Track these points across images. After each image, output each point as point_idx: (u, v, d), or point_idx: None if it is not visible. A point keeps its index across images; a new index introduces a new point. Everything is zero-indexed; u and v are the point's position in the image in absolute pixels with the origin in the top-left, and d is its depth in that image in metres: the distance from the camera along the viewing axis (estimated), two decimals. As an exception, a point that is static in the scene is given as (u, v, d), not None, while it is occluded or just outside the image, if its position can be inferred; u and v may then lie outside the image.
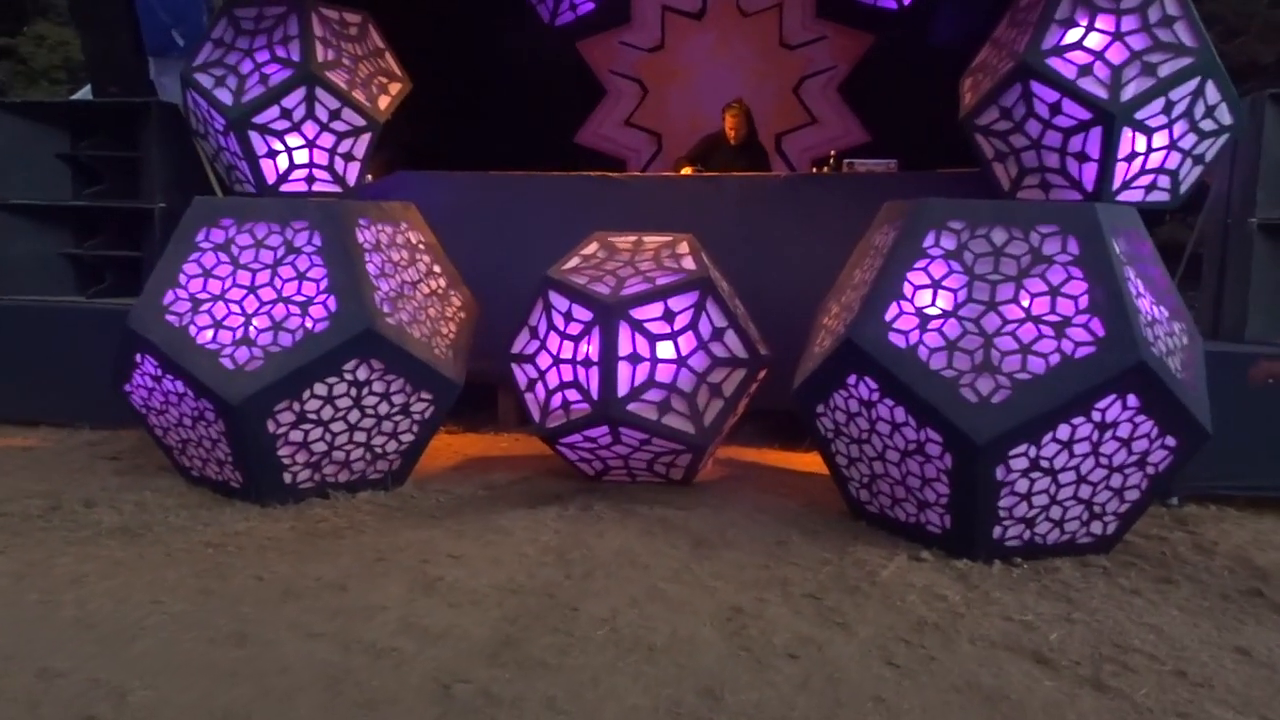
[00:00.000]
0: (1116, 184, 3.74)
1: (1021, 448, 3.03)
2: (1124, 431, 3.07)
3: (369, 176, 4.90)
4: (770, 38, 6.85)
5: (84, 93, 5.76)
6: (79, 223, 5.15)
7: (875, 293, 3.25)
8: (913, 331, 3.16)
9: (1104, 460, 3.10)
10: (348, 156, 4.29)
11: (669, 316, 3.64)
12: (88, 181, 5.10)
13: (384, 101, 4.37)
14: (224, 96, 4.11)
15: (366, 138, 4.29)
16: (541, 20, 6.91)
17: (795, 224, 4.66)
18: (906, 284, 3.22)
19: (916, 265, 3.23)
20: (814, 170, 6.04)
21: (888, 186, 4.60)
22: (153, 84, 5.40)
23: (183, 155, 4.86)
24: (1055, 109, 3.71)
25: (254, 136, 4.11)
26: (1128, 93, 3.61)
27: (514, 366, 3.89)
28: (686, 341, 3.65)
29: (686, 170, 5.60)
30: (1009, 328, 3.08)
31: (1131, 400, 3.01)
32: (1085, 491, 3.16)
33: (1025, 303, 3.09)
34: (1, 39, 13.16)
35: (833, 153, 5.63)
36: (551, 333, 3.76)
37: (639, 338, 3.60)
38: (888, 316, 3.19)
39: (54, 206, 5.08)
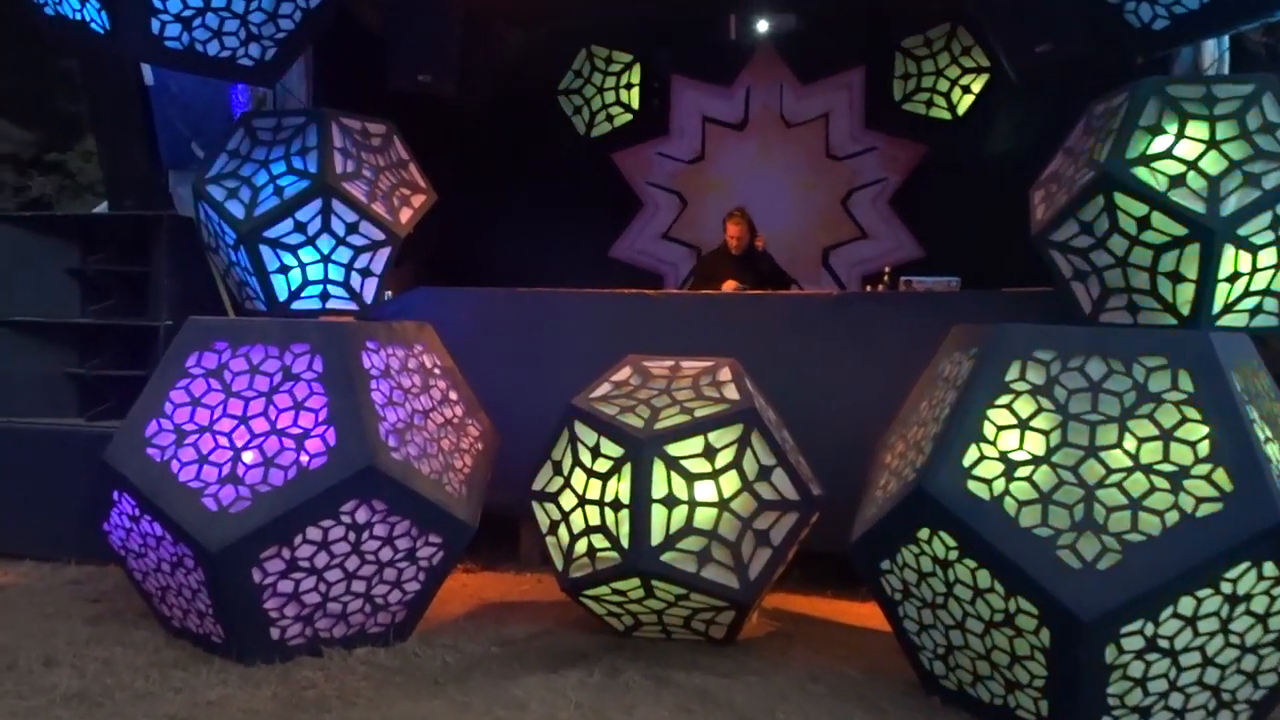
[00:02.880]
0: (1217, 307, 3.36)
1: (1136, 625, 2.61)
2: (1259, 606, 2.59)
3: (388, 292, 4.76)
4: (816, 148, 6.83)
5: (102, 207, 5.68)
6: (84, 341, 5.01)
7: (949, 432, 2.94)
8: (997, 480, 2.82)
9: (1224, 640, 2.63)
10: (365, 272, 4.13)
11: (709, 453, 3.41)
12: (96, 298, 4.97)
13: (406, 214, 4.24)
14: (235, 209, 3.99)
15: (385, 252, 4.15)
16: (576, 131, 6.91)
17: (848, 346, 4.46)
18: (987, 423, 2.90)
19: (998, 401, 2.91)
20: (867, 288, 5.92)
21: (950, 307, 4.40)
22: (170, 197, 5.31)
23: (195, 271, 4.75)
24: (1144, 223, 3.37)
25: (265, 250, 3.97)
26: (1229, 206, 3.26)
27: (535, 505, 3.67)
28: (729, 482, 3.41)
29: (730, 285, 5.49)
30: (1114, 478, 2.72)
31: (1269, 569, 2.53)
32: (1212, 675, 2.72)
33: (1132, 448, 2.73)
34: (54, 154, 13.52)
35: (887, 269, 5.48)
36: (577, 469, 3.54)
37: (675, 477, 3.37)
38: (966, 461, 2.87)
39: (58, 324, 4.93)
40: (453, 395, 3.89)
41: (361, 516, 3.31)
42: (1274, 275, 3.35)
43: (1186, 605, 2.60)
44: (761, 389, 3.77)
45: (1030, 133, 5.76)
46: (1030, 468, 2.80)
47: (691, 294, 5.51)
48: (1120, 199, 3.36)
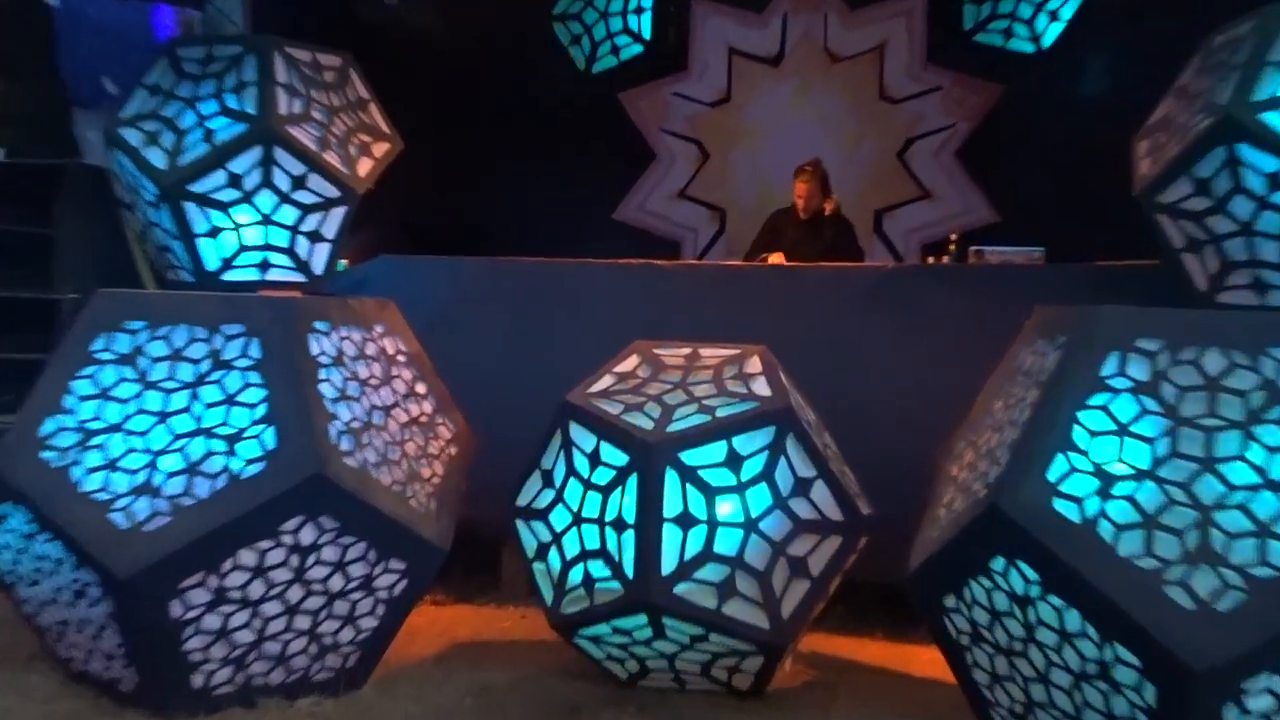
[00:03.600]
0: (1367, 285, 3.35)
1: (1263, 679, 2.60)
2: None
3: (343, 262, 4.80)
4: (868, 89, 6.86)
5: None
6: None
7: (1031, 439, 2.95)
8: (1090, 498, 2.83)
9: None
10: (314, 236, 4.12)
11: (734, 462, 3.43)
12: (-9, 265, 4.97)
13: (365, 166, 4.24)
14: (156, 158, 3.98)
15: (340, 212, 4.15)
16: (575, 66, 6.92)
17: (905, 332, 4.50)
18: (1077, 428, 2.90)
19: (1091, 401, 2.92)
20: (928, 260, 5.96)
21: (1031, 284, 4.44)
22: (76, 143, 5.31)
23: (105, 233, 4.77)
24: (1275, 181, 3.33)
25: (192, 209, 3.95)
26: (1382, 161, 3.22)
27: (520, 524, 3.72)
28: (758, 497, 3.44)
29: (775, 258, 5.57)
30: (1237, 497, 2.71)
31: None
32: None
33: (1259, 460, 2.72)
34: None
35: (953, 237, 5.50)
36: (572, 480, 3.58)
37: (692, 491, 3.40)
38: (1052, 475, 2.87)
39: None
40: (420, 389, 3.88)
41: (307, 537, 3.30)
42: None
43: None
44: (798, 383, 3.77)
45: (1132, 70, 5.78)
46: (1132, 484, 2.80)
47: (713, 266, 5.59)
48: (1245, 151, 3.31)
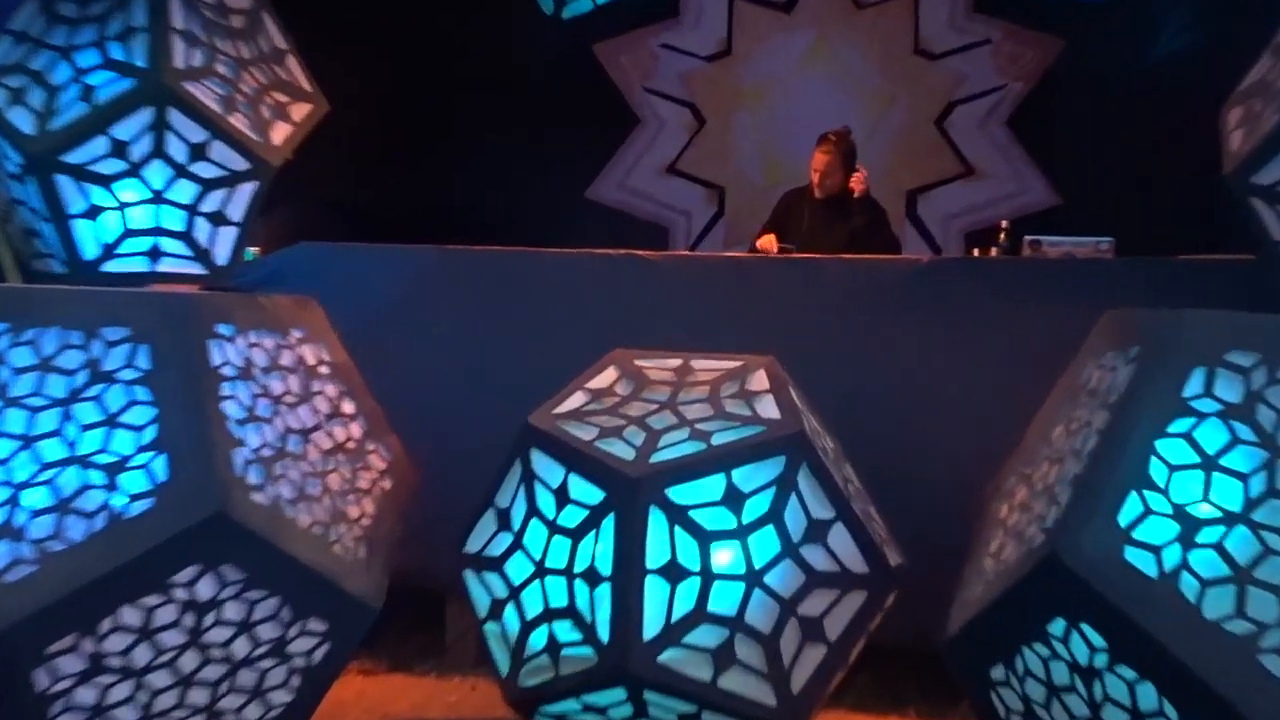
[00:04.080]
0: None
1: None
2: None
3: (253, 250, 4.86)
4: (901, 42, 6.94)
5: None
6: None
7: (1098, 473, 2.97)
8: (1169, 547, 2.84)
9: None
10: (217, 218, 4.14)
11: (734, 500, 3.41)
12: None
13: (281, 131, 4.27)
14: (21, 120, 3.97)
15: (249, 189, 4.17)
16: (540, 10, 6.97)
17: (944, 340, 4.54)
18: (1155, 461, 2.92)
19: (1172, 428, 2.94)
20: (973, 252, 6.03)
21: (1098, 283, 4.48)
22: None
23: None
24: None
25: (65, 184, 3.96)
26: None
27: (470, 575, 3.71)
28: (764, 543, 3.41)
29: (767, 242, 5.63)
30: None
31: None
32: None
33: None
34: None
35: (1004, 224, 5.53)
36: (534, 521, 3.57)
37: (683, 536, 3.37)
38: (1123, 518, 2.89)
39: None
40: (348, 408, 3.88)
41: (205, 590, 3.28)
42: None
43: None
44: (814, 404, 3.77)
45: (1222, 22, 5.83)
46: (1220, 529, 2.81)
47: (709, 257, 5.62)
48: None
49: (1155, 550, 2.83)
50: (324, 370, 3.87)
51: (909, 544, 3.66)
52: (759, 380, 3.66)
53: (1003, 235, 5.42)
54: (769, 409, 3.55)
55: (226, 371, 3.48)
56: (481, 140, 6.75)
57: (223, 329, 3.54)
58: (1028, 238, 5.10)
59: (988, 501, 3.51)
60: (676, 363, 3.78)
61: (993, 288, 4.59)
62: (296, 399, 3.69)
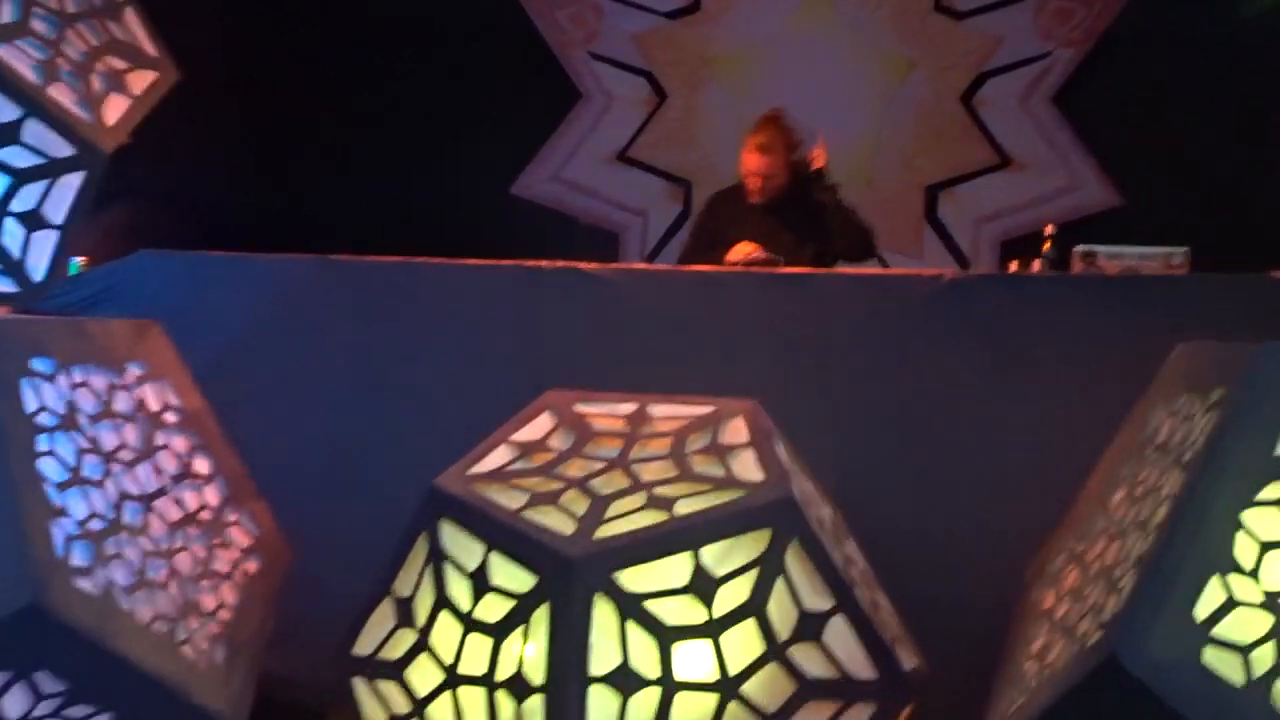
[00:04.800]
0: None
1: None
2: None
3: (78, 261, 4.85)
4: None
5: None
6: None
7: (1170, 552, 2.97)
8: (1261, 647, 2.86)
9: None
10: (32, 219, 4.12)
11: (704, 587, 3.39)
12: None
13: (117, 108, 4.30)
14: None
15: (74, 182, 4.15)
16: None
17: (973, 378, 4.58)
18: (1243, 536, 2.94)
19: (1263, 495, 2.96)
20: (1010, 265, 5.98)
21: (1169, 306, 4.51)
22: None
23: None
24: None
25: None
26: None
27: (360, 684, 3.64)
28: (742, 643, 3.38)
29: (742, 252, 5.60)
30: None
31: None
32: None
33: None
34: None
35: (1049, 230, 5.58)
36: (444, 615, 3.52)
37: (637, 634, 3.35)
38: (1201, 611, 2.90)
39: None
40: (201, 466, 3.88)
41: (14, 706, 3.27)
42: None
43: None
44: (806, 460, 3.78)
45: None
46: None
47: (672, 271, 5.59)
48: None
49: (1243, 652, 2.85)
50: (170, 418, 3.85)
51: (928, 642, 3.64)
52: (736, 431, 3.66)
53: (1048, 244, 5.42)
54: (749, 469, 3.53)
55: (44, 420, 3.44)
56: (375, 118, 6.70)
57: (38, 364, 3.51)
58: (1079, 248, 5.10)
59: (1030, 587, 3.53)
60: (629, 408, 3.78)
61: (1036, 311, 4.61)
62: (135, 455, 3.66)
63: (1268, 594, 2.89)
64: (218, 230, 5.33)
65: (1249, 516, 2.95)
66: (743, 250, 5.46)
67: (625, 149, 7.05)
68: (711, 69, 6.98)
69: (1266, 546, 2.93)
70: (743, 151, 5.80)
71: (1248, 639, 2.87)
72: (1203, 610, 2.89)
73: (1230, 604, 2.89)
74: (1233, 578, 2.91)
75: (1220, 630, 2.88)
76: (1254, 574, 2.91)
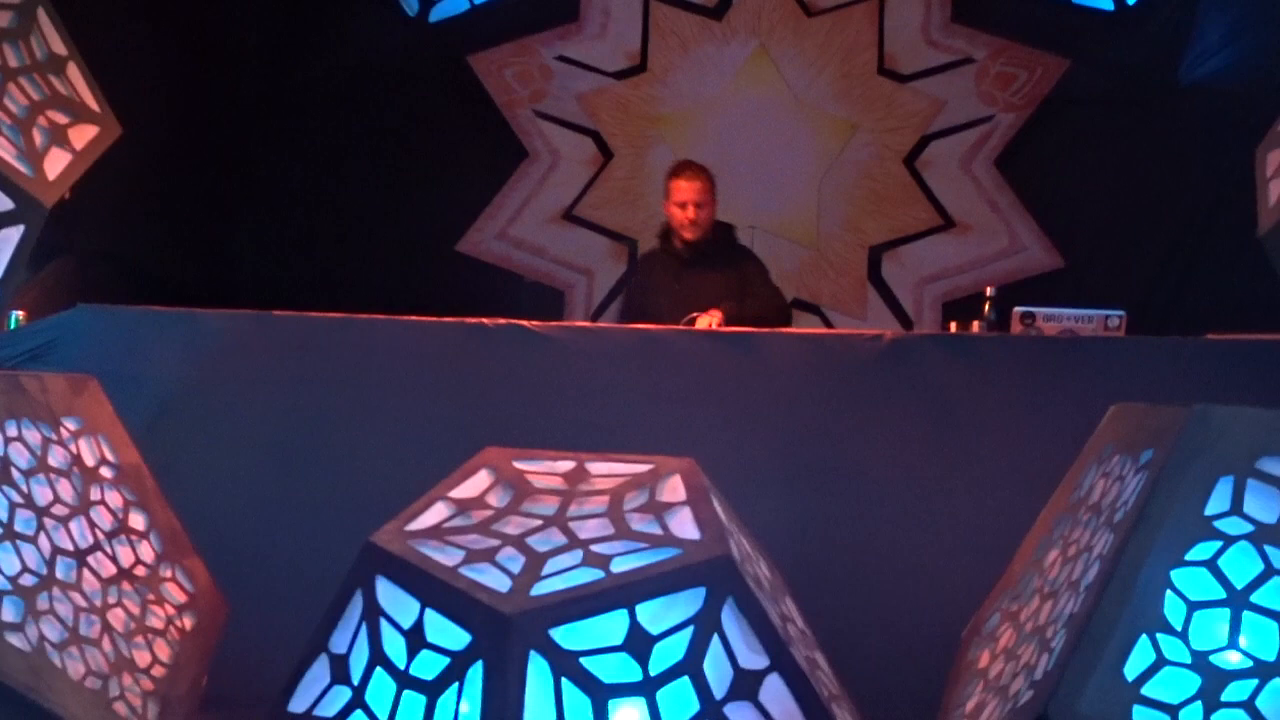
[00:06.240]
0: None
1: None
2: None
3: (17, 314, 4.84)
4: (863, 58, 7.00)
5: None
6: None
7: (1099, 613, 3.01)
8: (1189, 707, 2.89)
9: None
10: None
11: (639, 644, 3.36)
12: None
13: (58, 163, 4.31)
14: None
15: (14, 236, 4.15)
16: (402, 10, 6.97)
17: (910, 439, 4.59)
18: (1172, 597, 2.97)
19: (1193, 555, 2.99)
20: (950, 326, 6.05)
21: (1105, 368, 4.54)
22: None
23: None
24: None
25: None
26: None
27: None
28: (677, 701, 3.35)
29: (708, 321, 5.57)
30: None
31: None
32: None
33: None
34: None
35: (989, 291, 5.60)
36: (378, 673, 3.48)
37: (572, 692, 3.32)
38: (1130, 670, 2.93)
39: None
40: (137, 522, 3.87)
41: (-61, 768, 3.23)
42: None
43: None
44: (743, 520, 3.77)
45: (1263, 39, 5.99)
46: (1253, 683, 2.86)
47: (615, 330, 5.52)
48: None
49: (1171, 711, 2.87)
50: (106, 472, 3.83)
51: (867, 700, 3.63)
52: (673, 489, 3.65)
53: (988, 305, 5.45)
54: (686, 527, 3.52)
55: (-24, 475, 3.44)
56: (320, 175, 6.68)
57: (-30, 418, 3.50)
58: (1019, 309, 5.13)
59: (965, 646, 3.53)
60: (568, 466, 3.77)
61: (975, 371, 4.63)
62: (69, 510, 3.65)
63: (1196, 653, 2.92)
64: (154, 285, 5.31)
65: (1178, 576, 2.98)
66: (711, 319, 5.44)
67: (571, 207, 7.05)
68: (657, 129, 6.98)
69: (1195, 606, 2.95)
70: (670, 190, 5.81)
71: (1177, 699, 2.90)
72: (1133, 670, 2.92)
73: (1160, 663, 2.92)
74: (1162, 637, 2.94)
75: (1150, 689, 2.91)
76: (1183, 634, 2.94)
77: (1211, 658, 2.91)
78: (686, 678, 3.35)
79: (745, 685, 3.38)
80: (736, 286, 5.69)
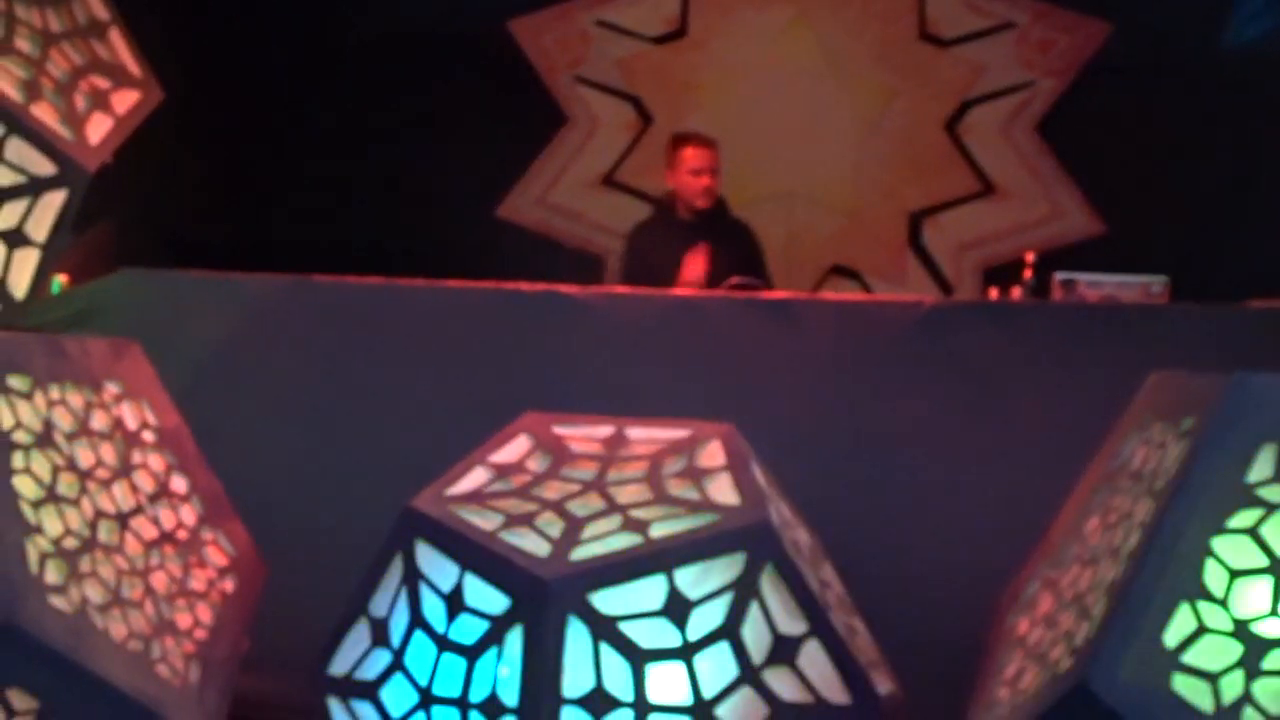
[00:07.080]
0: None
1: None
2: None
3: (59, 277, 4.87)
4: (903, 23, 7.01)
5: None
6: None
7: (1141, 580, 2.96)
8: (1229, 674, 2.85)
9: None
10: (13, 237, 4.11)
11: (678, 609, 3.38)
12: None
13: (100, 127, 4.28)
14: None
15: (56, 200, 4.15)
16: None
17: (950, 405, 4.58)
18: (1212, 564, 2.93)
19: (1233, 523, 2.95)
20: (991, 292, 6.05)
21: (1146, 335, 4.51)
22: None
23: None
24: None
25: None
26: None
27: (334, 703, 3.63)
28: (717, 665, 3.37)
29: (698, 272, 5.69)
30: None
31: None
32: None
33: None
34: None
35: (1029, 257, 5.61)
36: (419, 635, 3.51)
37: (611, 655, 3.34)
38: (1171, 638, 2.89)
39: None
40: (178, 486, 3.85)
41: (-15, 724, 3.23)
42: None
43: None
44: (783, 485, 3.76)
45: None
46: None
47: (653, 295, 5.52)
48: None
49: (1211, 679, 2.84)
50: (148, 436, 3.83)
51: (903, 666, 3.61)
52: (713, 455, 3.65)
53: (1028, 271, 5.46)
54: (725, 492, 3.52)
55: (20, 438, 3.45)
56: (359, 141, 6.72)
57: (15, 382, 3.51)
58: (1059, 275, 5.11)
59: (1004, 613, 3.50)
60: (607, 431, 3.77)
61: (1015, 339, 4.61)
62: (111, 474, 3.64)
63: (1237, 621, 2.89)
64: (195, 250, 5.32)
65: (1219, 544, 2.94)
66: (695, 269, 5.48)
67: (610, 173, 7.05)
68: (696, 94, 7.00)
69: (1236, 574, 2.92)
70: (681, 159, 5.84)
71: (1217, 666, 2.87)
72: (1173, 637, 2.89)
73: (1200, 631, 2.89)
74: (1203, 605, 2.90)
75: (1190, 657, 2.88)
76: (1224, 602, 2.90)
77: (1252, 626, 2.87)
78: (725, 642, 3.36)
79: (784, 650, 3.40)
80: (747, 256, 5.69)
